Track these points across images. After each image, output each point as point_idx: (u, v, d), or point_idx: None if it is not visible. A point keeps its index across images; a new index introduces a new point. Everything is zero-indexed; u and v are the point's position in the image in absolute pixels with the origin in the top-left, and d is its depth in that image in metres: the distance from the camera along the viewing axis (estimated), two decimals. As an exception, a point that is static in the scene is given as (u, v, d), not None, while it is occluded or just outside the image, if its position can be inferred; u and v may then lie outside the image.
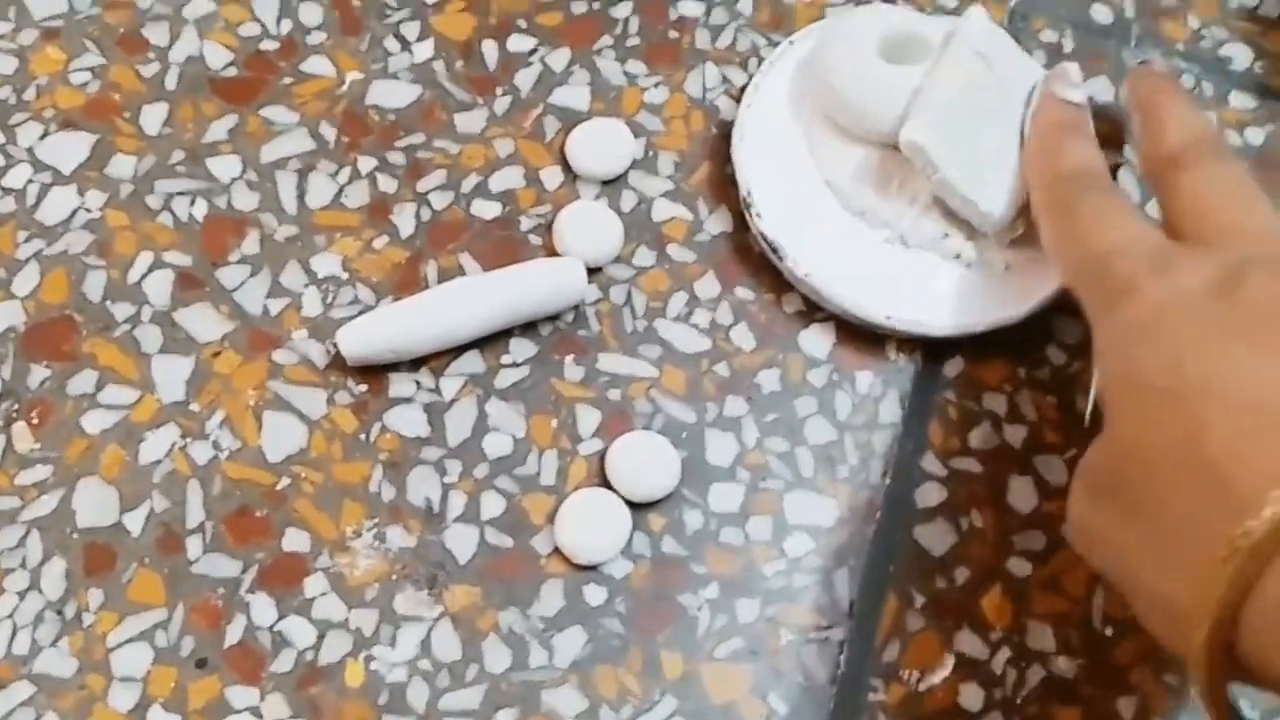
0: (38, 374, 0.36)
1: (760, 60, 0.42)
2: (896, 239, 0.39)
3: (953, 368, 0.39)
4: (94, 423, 0.36)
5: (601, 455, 0.37)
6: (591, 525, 0.36)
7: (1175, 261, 0.30)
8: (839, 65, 0.39)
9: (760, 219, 0.39)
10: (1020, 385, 0.39)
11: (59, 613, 0.34)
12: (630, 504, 0.36)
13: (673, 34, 0.43)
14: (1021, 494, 0.38)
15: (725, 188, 0.41)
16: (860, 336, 0.39)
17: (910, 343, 0.39)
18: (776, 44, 0.42)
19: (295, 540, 0.35)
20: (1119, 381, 0.30)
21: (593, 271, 0.39)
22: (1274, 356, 0.28)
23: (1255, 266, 0.29)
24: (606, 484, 0.36)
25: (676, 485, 0.36)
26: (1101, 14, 0.45)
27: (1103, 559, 0.31)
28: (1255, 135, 0.43)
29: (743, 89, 0.41)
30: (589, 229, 0.39)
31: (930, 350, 0.39)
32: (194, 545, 0.35)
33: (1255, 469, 0.26)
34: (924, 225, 0.39)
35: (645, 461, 0.36)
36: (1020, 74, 0.39)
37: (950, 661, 0.35)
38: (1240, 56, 0.45)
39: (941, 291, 0.39)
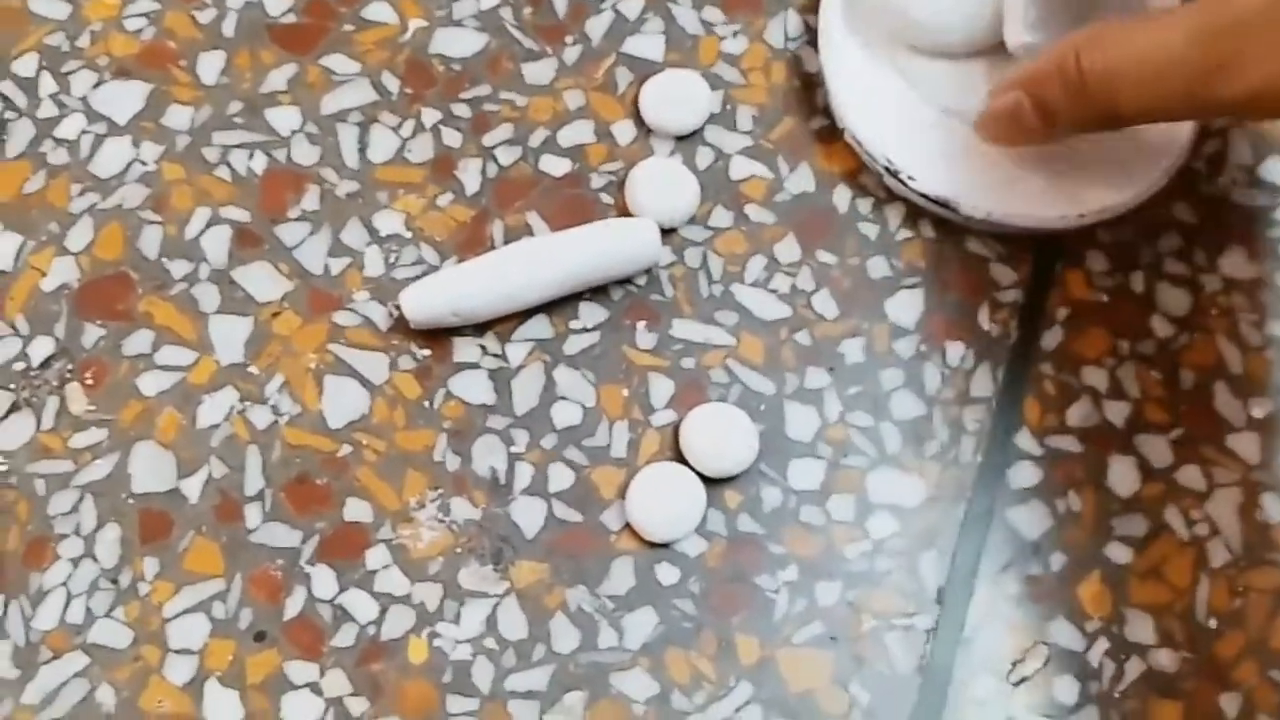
0: (92, 333, 0.35)
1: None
2: None
3: (1051, 339, 0.37)
4: (150, 384, 0.35)
5: (675, 427, 0.35)
6: (664, 500, 0.34)
7: None
8: None
9: (914, 181, 0.36)
10: (1123, 359, 0.37)
11: (114, 581, 0.33)
12: (705, 479, 0.34)
13: (753, -20, 0.41)
14: (1122, 476, 0.35)
15: (808, 144, 0.39)
16: (951, 304, 0.37)
17: (1008, 309, 0.37)
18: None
19: (357, 510, 0.34)
20: None
21: (667, 232, 0.37)
22: None
23: None
24: (680, 458, 0.35)
25: (754, 460, 0.34)
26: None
27: None
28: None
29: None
30: (663, 187, 0.37)
31: (1027, 319, 0.37)
32: (253, 513, 0.34)
33: None
34: None
35: (721, 435, 0.34)
36: None
37: (1044, 653, 0.33)
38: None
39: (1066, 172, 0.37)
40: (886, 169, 0.37)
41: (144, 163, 0.37)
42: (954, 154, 0.37)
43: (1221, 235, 0.38)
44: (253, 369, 0.35)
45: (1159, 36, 0.30)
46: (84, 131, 0.37)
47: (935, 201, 0.36)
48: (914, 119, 0.37)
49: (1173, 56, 0.30)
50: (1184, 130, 0.37)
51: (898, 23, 0.37)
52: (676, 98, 0.38)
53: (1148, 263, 0.38)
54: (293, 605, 0.33)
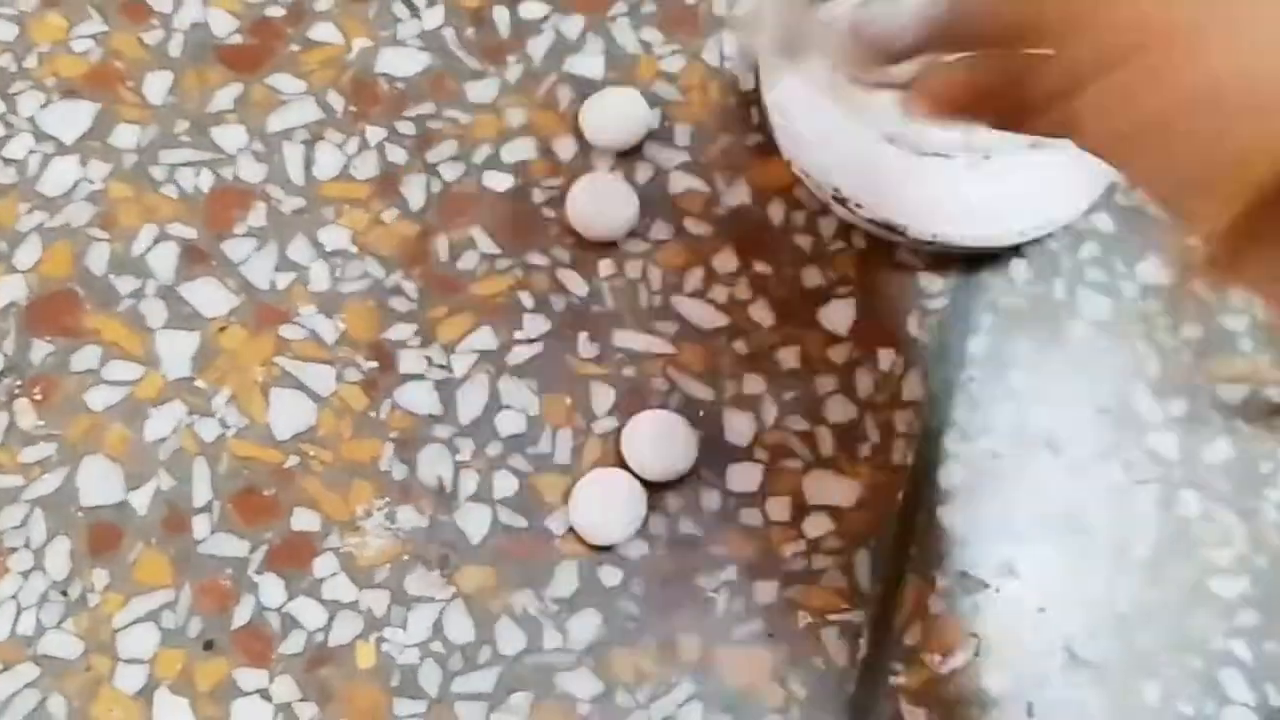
0: (40, 349, 0.36)
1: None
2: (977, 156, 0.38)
3: (977, 345, 0.38)
4: (98, 399, 0.35)
5: (617, 434, 0.36)
6: (607, 505, 0.35)
7: None
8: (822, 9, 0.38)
9: (862, 208, 0.38)
10: (1046, 365, 0.38)
11: (64, 593, 0.33)
12: (646, 484, 0.35)
13: (689, 0, 0.42)
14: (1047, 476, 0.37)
15: (744, 159, 0.40)
16: (882, 312, 0.38)
17: (935, 316, 0.38)
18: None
19: (304, 520, 0.34)
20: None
21: (607, 246, 0.38)
22: None
23: None
24: (622, 464, 0.36)
25: (693, 464, 0.36)
26: None
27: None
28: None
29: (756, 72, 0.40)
30: (604, 202, 0.38)
31: (954, 326, 0.38)
32: (201, 525, 0.34)
33: None
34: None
35: (661, 440, 0.36)
36: None
37: (973, 644, 0.35)
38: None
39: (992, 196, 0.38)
40: (834, 197, 0.38)
41: (91, 181, 0.38)
42: (898, 180, 0.38)
43: (1139, 243, 0.40)
44: (200, 383, 0.36)
45: None
46: (31, 151, 0.38)
47: (884, 226, 0.38)
48: (857, 147, 0.38)
49: None
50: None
51: (836, 54, 0.39)
52: (616, 115, 0.40)
53: (1068, 270, 0.39)
54: (241, 614, 0.33)
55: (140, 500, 0.34)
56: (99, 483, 0.34)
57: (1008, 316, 0.39)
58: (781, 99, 0.39)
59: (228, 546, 0.34)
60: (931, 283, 0.39)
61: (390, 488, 0.35)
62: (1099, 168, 0.38)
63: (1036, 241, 0.39)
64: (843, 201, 0.38)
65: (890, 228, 0.38)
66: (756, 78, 0.40)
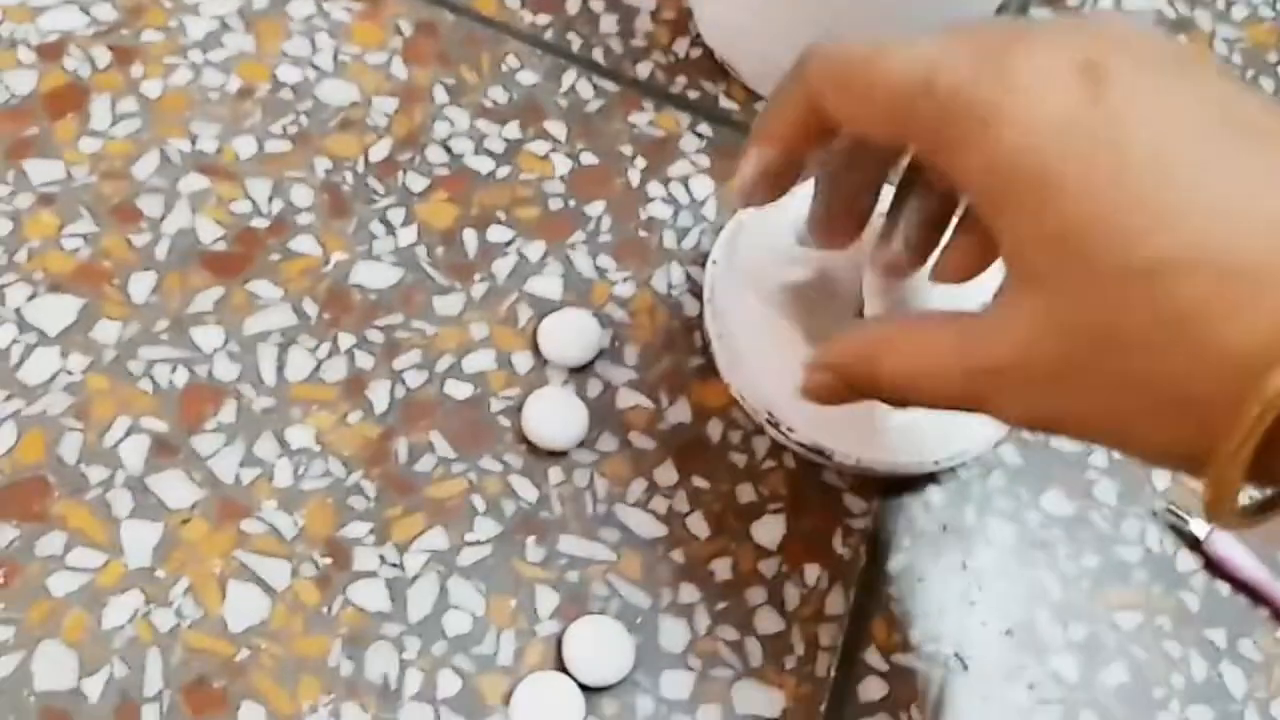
0: (7, 533, 0.37)
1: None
2: None
3: (896, 563, 0.41)
4: (60, 585, 0.36)
5: (558, 637, 0.38)
6: (545, 710, 0.36)
7: (1006, 59, 0.27)
8: (761, 255, 0.43)
9: (793, 432, 0.41)
10: (959, 585, 0.41)
11: (8, 781, 0.34)
12: (585, 688, 0.37)
13: (642, 233, 0.46)
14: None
15: (687, 380, 0.43)
16: (809, 530, 0.41)
17: (858, 535, 0.41)
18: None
19: (251, 713, 0.36)
20: (1040, 251, 0.27)
21: (557, 455, 0.41)
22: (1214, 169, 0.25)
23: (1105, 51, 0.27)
24: (562, 667, 0.37)
25: (630, 670, 0.37)
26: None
27: (1070, 429, 0.29)
28: None
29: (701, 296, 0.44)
30: (556, 414, 0.41)
31: (875, 545, 0.41)
32: (150, 714, 0.35)
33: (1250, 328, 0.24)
34: None
35: (600, 646, 0.37)
36: None
37: None
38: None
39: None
40: (768, 420, 0.41)
41: (70, 373, 0.40)
42: (826, 407, 0.41)
43: (1042, 477, 0.44)
44: (160, 573, 0.37)
45: (939, 364, 0.31)
46: (15, 341, 0.40)
47: (811, 449, 0.41)
48: (790, 374, 0.42)
49: (950, 379, 0.31)
50: None
51: (769, 292, 0.42)
52: (571, 334, 0.43)
53: (979, 498, 0.43)
54: (183, 806, 0.34)
55: (93, 687, 0.35)
56: (54, 668, 0.35)
57: (924, 538, 0.42)
58: (721, 327, 0.43)
59: (174, 737, 0.35)
60: (856, 503, 0.42)
61: (336, 684, 0.36)
62: None
63: (951, 470, 0.43)
64: (775, 424, 0.41)
65: (819, 451, 0.41)
66: (701, 304, 0.44)
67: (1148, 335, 0.26)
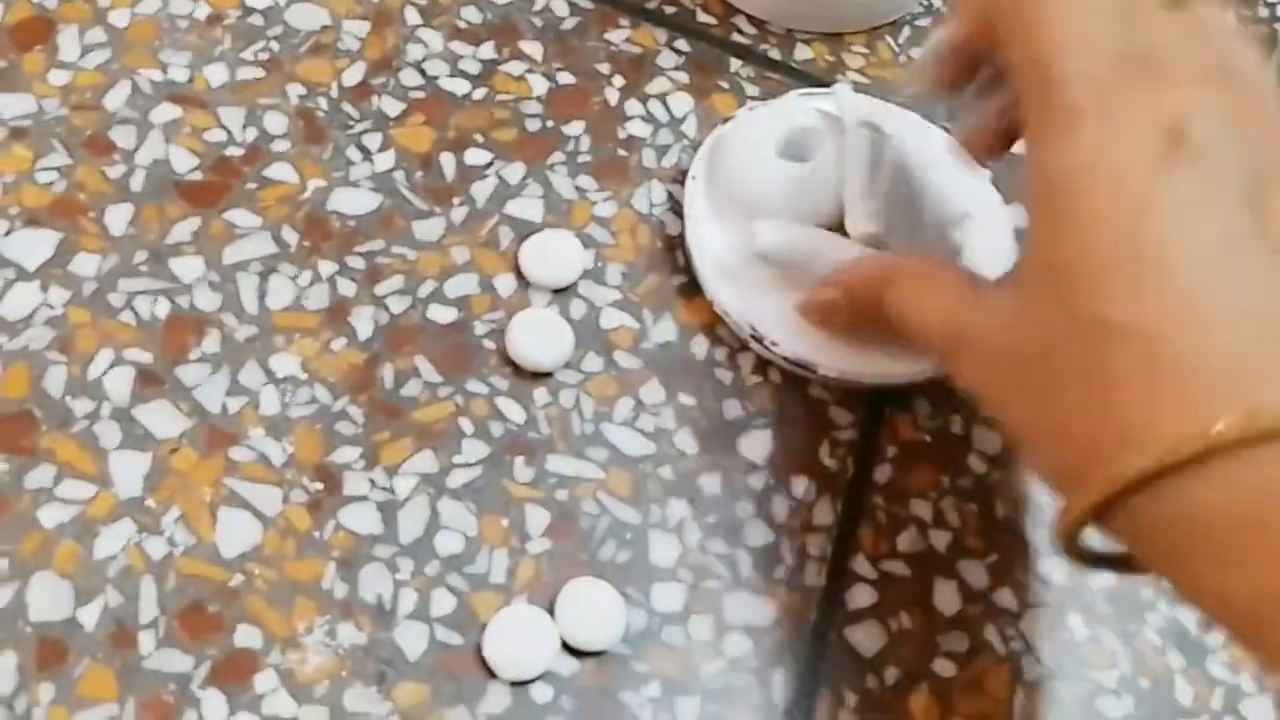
0: (-6, 468, 0.37)
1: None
2: None
3: (882, 474, 0.41)
4: (50, 517, 0.36)
5: (549, 555, 0.38)
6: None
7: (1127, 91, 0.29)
8: (742, 169, 0.43)
9: (776, 346, 0.41)
10: (945, 493, 0.41)
11: (10, 707, 0.34)
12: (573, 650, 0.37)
13: (621, 152, 0.46)
14: (946, 597, 0.40)
15: (671, 298, 0.43)
16: (796, 443, 0.41)
17: (844, 447, 0.41)
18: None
19: (247, 636, 0.36)
20: (1036, 266, 0.30)
21: (543, 376, 0.41)
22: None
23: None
24: (552, 601, 0.37)
25: (622, 637, 0.37)
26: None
27: (1002, 418, 0.33)
28: None
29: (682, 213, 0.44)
30: (540, 336, 0.41)
31: (862, 457, 0.41)
32: (146, 640, 0.35)
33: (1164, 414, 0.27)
34: None
35: (592, 610, 0.37)
36: (905, 126, 0.44)
37: (880, 759, 0.37)
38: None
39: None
40: (752, 335, 0.41)
41: (51, 307, 0.40)
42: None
43: (1029, 383, 0.44)
44: (150, 502, 0.37)
45: (930, 315, 0.35)
46: (-7, 276, 0.40)
47: (795, 364, 0.41)
48: (773, 290, 0.42)
49: (932, 331, 0.35)
50: None
51: (751, 205, 0.42)
52: (553, 255, 0.43)
53: (965, 408, 0.43)
54: (183, 729, 0.34)
55: (88, 616, 0.35)
56: (48, 598, 0.35)
57: (910, 449, 0.42)
58: (702, 243, 0.42)
59: (172, 662, 0.35)
60: (842, 416, 0.42)
61: (331, 605, 0.37)
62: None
63: (936, 381, 0.43)
64: (759, 340, 0.41)
65: (803, 365, 0.41)
66: (682, 222, 0.44)
67: (1075, 370, 0.29)
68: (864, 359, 0.41)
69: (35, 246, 0.40)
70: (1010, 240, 0.45)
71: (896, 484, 0.41)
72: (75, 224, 0.41)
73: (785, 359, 0.41)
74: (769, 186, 0.42)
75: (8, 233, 0.41)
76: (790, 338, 0.41)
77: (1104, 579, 0.41)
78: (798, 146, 0.43)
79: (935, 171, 0.44)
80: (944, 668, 0.39)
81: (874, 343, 0.41)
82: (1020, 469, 0.42)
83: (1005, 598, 0.40)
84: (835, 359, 0.41)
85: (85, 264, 0.40)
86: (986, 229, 0.44)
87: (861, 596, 0.39)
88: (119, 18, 0.45)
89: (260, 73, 0.45)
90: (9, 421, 0.38)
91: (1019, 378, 0.31)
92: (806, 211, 0.42)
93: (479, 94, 0.46)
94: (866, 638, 0.39)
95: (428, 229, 0.43)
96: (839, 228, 0.42)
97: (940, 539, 0.41)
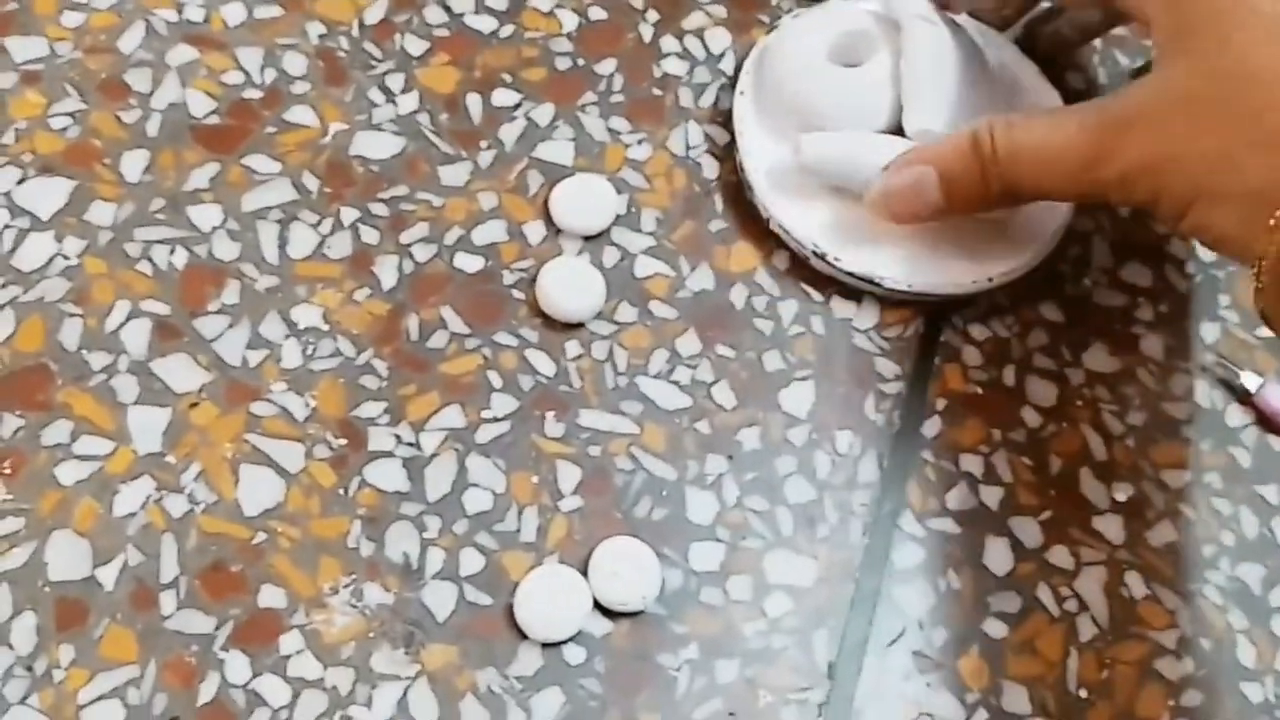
0: (10, 423, 0.36)
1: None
2: None
3: (931, 428, 0.39)
4: (68, 474, 0.35)
5: (581, 512, 0.37)
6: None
7: None
8: (793, 79, 0.41)
9: (840, 261, 0.40)
10: (996, 447, 0.39)
11: (29, 668, 0.33)
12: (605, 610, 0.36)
13: (656, 92, 0.43)
14: (997, 556, 0.38)
15: (708, 245, 0.41)
16: (840, 396, 0.39)
17: (891, 400, 0.39)
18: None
19: (271, 597, 0.35)
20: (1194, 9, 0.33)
21: (574, 327, 0.39)
22: None
23: None
24: (585, 561, 0.36)
25: (657, 597, 0.36)
26: (1075, 80, 0.46)
27: (1173, 178, 0.33)
28: None
29: (727, 145, 0.42)
30: (571, 285, 0.39)
31: (909, 410, 0.40)
32: (168, 601, 0.34)
33: None
34: None
35: (626, 570, 0.36)
36: (965, 20, 0.43)
37: (928, 724, 0.35)
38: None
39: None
40: (814, 252, 0.40)
41: (66, 257, 0.38)
42: (874, 233, 0.40)
43: (1085, 332, 0.42)
44: (170, 459, 0.36)
45: (1057, 126, 0.36)
46: (7, 226, 0.38)
47: (861, 279, 0.40)
48: (835, 205, 0.40)
49: (1068, 142, 0.35)
50: (1064, 209, 0.42)
51: (804, 113, 0.40)
52: (585, 200, 0.41)
53: (1018, 358, 0.41)
54: (206, 691, 0.33)
55: (108, 576, 0.34)
56: (67, 558, 0.34)
57: (960, 401, 0.40)
58: (756, 161, 0.41)
59: (194, 623, 0.34)
60: (887, 368, 0.40)
61: (357, 564, 0.35)
62: (1048, 218, 0.40)
63: (985, 325, 0.41)
64: (821, 256, 0.40)
65: (868, 279, 0.40)
66: (733, 141, 0.42)
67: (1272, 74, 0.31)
68: (930, 269, 0.40)
69: (49, 195, 0.39)
70: None
71: (946, 438, 0.39)
72: (90, 171, 0.40)
73: (850, 274, 0.40)
74: (823, 95, 0.40)
75: (20, 181, 0.39)
76: (853, 251, 0.40)
77: (1162, 535, 0.39)
78: (848, 51, 0.41)
79: (996, 65, 0.42)
80: (995, 629, 0.37)
81: (940, 249, 0.40)
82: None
83: (1059, 556, 0.38)
84: (900, 271, 0.40)
85: (100, 212, 0.39)
86: None
87: (909, 555, 0.38)
88: (132, -44, 0.43)
89: (278, 11, 0.43)
90: (24, 376, 0.37)
91: (1197, 112, 0.32)
92: (862, 117, 0.40)
93: (506, 31, 0.44)
94: (914, 598, 0.37)
95: (454, 174, 0.41)
96: (896, 133, 0.40)
97: (991, 495, 0.39)
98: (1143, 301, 0.43)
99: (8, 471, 0.35)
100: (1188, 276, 0.43)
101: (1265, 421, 0.41)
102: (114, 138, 0.40)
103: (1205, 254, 0.44)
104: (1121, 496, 0.39)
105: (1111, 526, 0.39)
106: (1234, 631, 0.38)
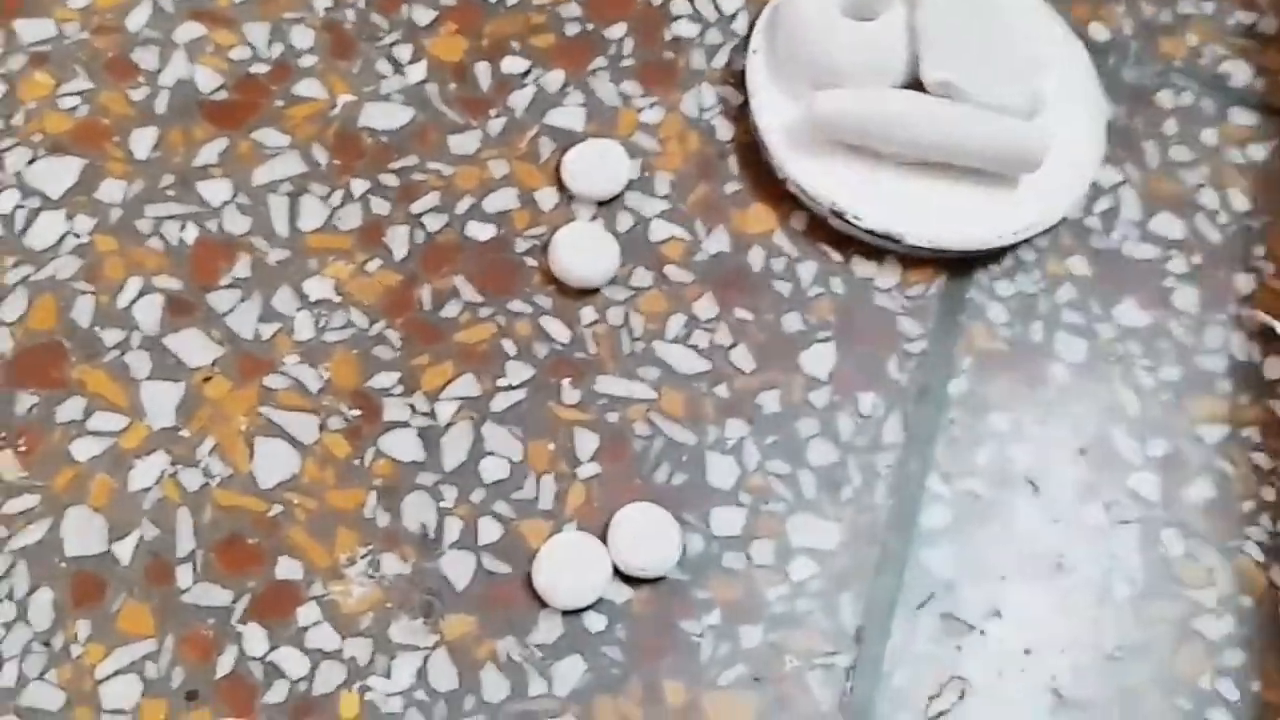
0: (25, 401, 0.36)
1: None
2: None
3: (957, 387, 0.38)
4: (82, 450, 0.35)
5: (599, 480, 0.36)
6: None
7: None
8: (807, 35, 0.40)
9: (860, 219, 0.39)
10: (1024, 404, 0.38)
11: (47, 644, 0.33)
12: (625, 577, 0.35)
13: (668, 54, 0.43)
14: (1027, 516, 0.37)
15: (724, 207, 0.40)
16: (862, 356, 0.38)
17: (915, 360, 0.39)
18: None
19: (288, 568, 0.34)
20: None
21: (589, 293, 0.39)
22: None
23: None
24: (604, 527, 0.35)
25: (679, 563, 0.35)
26: (1099, 31, 0.45)
27: None
28: (1257, 151, 0.43)
29: (741, 106, 0.41)
30: (585, 251, 0.39)
31: (934, 369, 0.39)
32: (184, 574, 0.34)
33: None
34: None
35: (646, 536, 0.35)
36: None
37: (959, 686, 0.35)
38: (1239, 73, 0.44)
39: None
40: (833, 211, 0.39)
41: (77, 235, 0.38)
42: (892, 191, 0.39)
43: (1115, 286, 0.41)
44: (184, 433, 0.36)
45: None
46: (18, 206, 0.38)
47: (881, 236, 0.39)
48: (853, 163, 0.40)
49: None
50: (1091, 161, 0.41)
51: (819, 70, 0.40)
52: (597, 166, 0.40)
53: (1046, 313, 0.40)
54: (224, 664, 0.33)
55: (123, 550, 0.34)
56: (83, 533, 0.34)
57: (986, 359, 0.39)
58: (773, 122, 0.40)
59: (211, 596, 0.34)
60: (911, 326, 0.39)
61: (374, 535, 0.35)
62: (1079, 167, 0.39)
63: (1016, 276, 0.40)
64: (840, 215, 0.39)
65: (888, 236, 0.39)
66: (746, 103, 0.41)
67: None
68: (952, 224, 0.39)
69: (59, 174, 0.39)
70: (1094, 87, 0.42)
71: (973, 397, 0.38)
72: (99, 149, 0.39)
73: (870, 231, 0.39)
74: (837, 51, 0.39)
75: (31, 161, 0.39)
76: (873, 208, 0.39)
77: (1200, 492, 0.37)
78: (861, 6, 0.40)
79: (1015, 14, 0.41)
80: (1026, 590, 0.36)
81: (962, 205, 0.39)
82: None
83: (1093, 514, 0.37)
84: (921, 226, 0.39)
85: (111, 190, 0.39)
86: (1068, 76, 0.41)
87: (936, 516, 0.37)
88: (139, -65, 0.43)
89: (285, -14, 0.43)
90: (38, 353, 0.36)
91: None
92: (878, 73, 0.39)
93: (514, -2, 0.43)
94: (942, 559, 0.36)
95: (464, 142, 0.41)
96: (913, 87, 0.39)
97: (1021, 453, 0.38)
98: (1174, 254, 0.41)
99: (23, 449, 0.35)
100: (1220, 227, 0.42)
101: (1305, 373, 0.40)
102: (123, 116, 0.40)
103: (1238, 204, 0.42)
104: (1157, 453, 0.38)
105: (1146, 484, 0.38)
106: (1276, 589, 0.37)
